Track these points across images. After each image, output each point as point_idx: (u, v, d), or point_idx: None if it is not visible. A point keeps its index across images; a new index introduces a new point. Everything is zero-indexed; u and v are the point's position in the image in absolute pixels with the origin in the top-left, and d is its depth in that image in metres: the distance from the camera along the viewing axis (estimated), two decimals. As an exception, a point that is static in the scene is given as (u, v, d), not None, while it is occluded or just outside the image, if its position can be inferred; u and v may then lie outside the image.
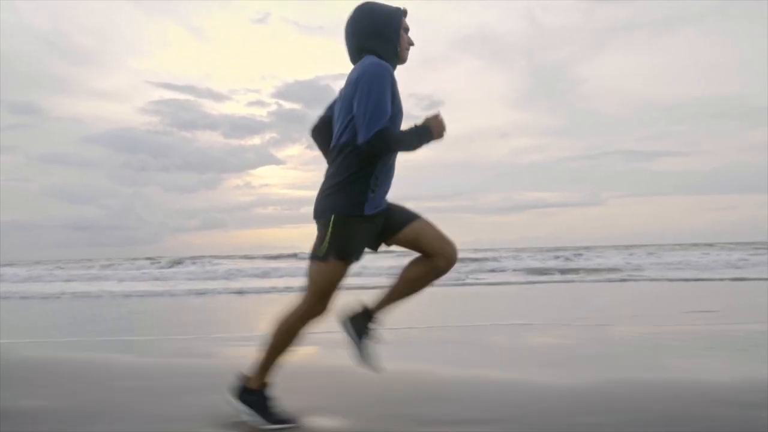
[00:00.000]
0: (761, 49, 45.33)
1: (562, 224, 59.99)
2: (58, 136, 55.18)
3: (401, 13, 2.46)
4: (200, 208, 60.60)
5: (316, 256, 2.38)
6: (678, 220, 57.86)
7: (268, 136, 56.10)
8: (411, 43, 2.51)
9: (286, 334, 2.45)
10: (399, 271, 2.59)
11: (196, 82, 60.15)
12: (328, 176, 2.41)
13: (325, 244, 2.33)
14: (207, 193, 59.23)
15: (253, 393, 2.50)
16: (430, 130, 2.34)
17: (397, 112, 2.33)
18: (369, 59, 2.32)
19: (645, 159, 57.97)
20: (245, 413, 2.51)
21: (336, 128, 2.43)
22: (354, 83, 2.29)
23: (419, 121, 2.38)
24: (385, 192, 2.45)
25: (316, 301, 2.41)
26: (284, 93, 53.18)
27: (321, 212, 2.37)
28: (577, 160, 58.76)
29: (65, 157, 54.86)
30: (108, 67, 51.70)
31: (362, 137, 2.23)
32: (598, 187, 64.90)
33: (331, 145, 2.45)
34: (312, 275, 2.40)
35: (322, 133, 2.65)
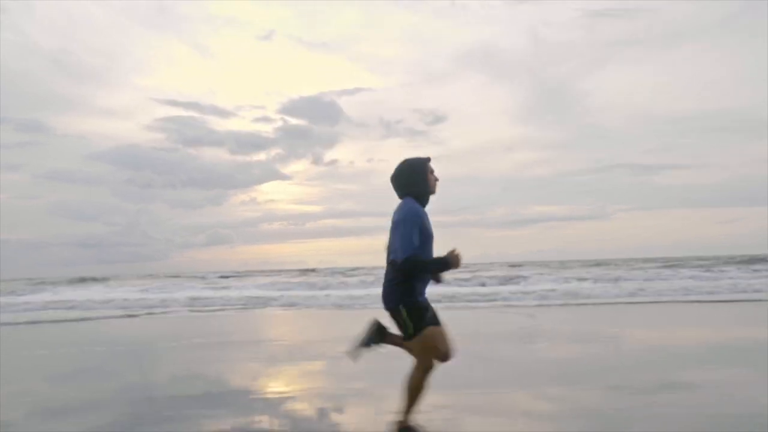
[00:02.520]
0: (763, 63, 45.59)
1: (569, 238, 59.95)
2: (63, 154, 55.85)
3: (426, 161, 3.38)
4: (206, 224, 60.98)
5: (409, 336, 3.21)
6: (685, 234, 57.72)
7: (273, 151, 56.60)
8: (437, 179, 3.42)
9: (416, 389, 3.26)
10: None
11: (201, 99, 60.91)
12: (388, 279, 3.28)
13: (409, 326, 3.19)
14: (213, 209, 59.59)
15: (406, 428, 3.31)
16: (448, 262, 3.16)
17: (428, 236, 3.24)
18: (406, 204, 3.28)
19: (650, 172, 58.01)
20: None
21: (390, 248, 3.35)
22: (396, 223, 3.23)
23: (443, 254, 3.19)
24: (424, 288, 3.34)
25: (431, 361, 3.23)
26: (289, 109, 53.78)
27: (390, 303, 3.23)
28: (582, 173, 58.92)
29: (71, 175, 55.47)
30: (113, 85, 52.38)
31: (399, 258, 3.16)
32: (604, 200, 64.93)
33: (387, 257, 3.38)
34: (417, 350, 3.24)
35: None
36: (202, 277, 31.03)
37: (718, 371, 4.79)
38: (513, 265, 33.89)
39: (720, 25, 49.39)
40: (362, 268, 33.37)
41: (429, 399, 3.97)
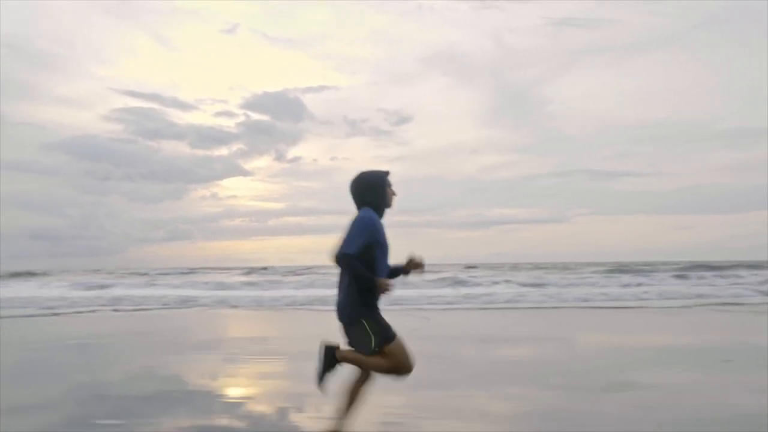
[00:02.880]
0: (721, 76, 46.91)
1: (529, 241, 60.65)
2: (18, 143, 54.02)
3: (385, 175, 3.45)
4: (166, 219, 60.00)
5: (372, 351, 3.21)
6: (640, 239, 58.95)
7: (235, 147, 55.96)
8: (394, 194, 3.49)
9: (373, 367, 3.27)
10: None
11: (162, 91, 59.79)
12: (345, 290, 3.28)
13: (372, 340, 3.18)
14: (172, 203, 58.61)
15: None
16: (376, 286, 3.19)
17: (383, 248, 3.31)
18: (363, 211, 3.33)
19: (609, 178, 59.19)
20: None
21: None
22: (349, 224, 3.27)
23: (376, 278, 3.21)
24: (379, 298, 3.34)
25: (400, 370, 3.24)
26: (252, 104, 53.28)
27: (348, 317, 3.25)
28: (544, 177, 59.78)
29: (25, 164, 53.84)
30: (72, 73, 51.02)
31: (338, 251, 3.19)
32: (565, 204, 65.96)
33: None
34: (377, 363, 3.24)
35: None
36: (145, 273, 30.60)
37: (661, 373, 4.97)
38: (469, 267, 34.25)
39: (677, 39, 50.89)
40: (321, 267, 33.38)
41: (386, 400, 4.01)
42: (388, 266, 3.42)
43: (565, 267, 33.15)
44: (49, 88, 51.27)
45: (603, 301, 13.64)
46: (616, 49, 52.96)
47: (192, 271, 35.30)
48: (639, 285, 18.79)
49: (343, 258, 3.20)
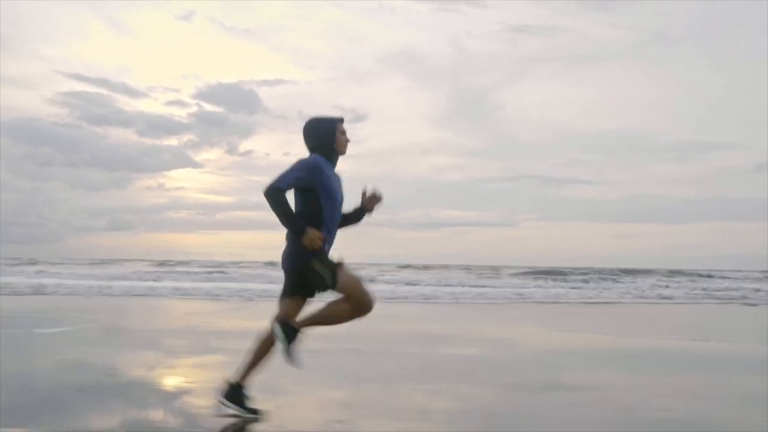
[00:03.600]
0: (666, 90, 48.95)
1: (477, 243, 61.74)
2: (-47, 122, 50.82)
3: (336, 121, 3.29)
4: (108, 208, 57.93)
5: (331, 286, 3.05)
6: (584, 246, 60.94)
7: (186, 137, 54.65)
8: (348, 140, 3.33)
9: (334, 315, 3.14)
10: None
11: (111, 76, 57.67)
12: (291, 238, 3.13)
13: (328, 276, 3.03)
14: (117, 192, 56.70)
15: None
16: (304, 234, 3.04)
17: (331, 195, 3.17)
18: (311, 155, 3.26)
19: (557, 185, 60.96)
20: None
21: None
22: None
23: (305, 225, 3.07)
24: (330, 246, 3.24)
25: (364, 300, 3.10)
26: (206, 95, 52.14)
27: (296, 262, 3.11)
28: (494, 181, 60.91)
29: (-39, 145, 50.76)
30: (16, 52, 48.44)
31: (269, 182, 3.07)
32: (513, 209, 67.47)
33: None
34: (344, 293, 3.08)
35: None
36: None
37: (598, 373, 5.08)
38: (401, 266, 34.73)
39: (630, 52, 52.66)
40: (255, 262, 33.44)
41: (322, 394, 4.00)
42: (338, 217, 3.28)
43: (494, 269, 33.87)
44: (-9, 67, 48.45)
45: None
46: (570, 58, 54.72)
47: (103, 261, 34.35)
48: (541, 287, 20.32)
49: (269, 190, 3.04)
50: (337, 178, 3.31)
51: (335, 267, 3.07)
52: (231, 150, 53.89)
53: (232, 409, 3.19)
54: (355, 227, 3.45)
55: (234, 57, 60.49)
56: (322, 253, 3.10)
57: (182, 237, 58.34)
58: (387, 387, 4.32)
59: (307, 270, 3.08)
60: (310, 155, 3.26)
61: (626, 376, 4.96)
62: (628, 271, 30.12)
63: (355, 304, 3.08)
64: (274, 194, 3.05)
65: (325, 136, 3.26)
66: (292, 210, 3.10)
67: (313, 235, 3.04)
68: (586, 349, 6.82)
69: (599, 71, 55.89)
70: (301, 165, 3.17)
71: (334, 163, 3.30)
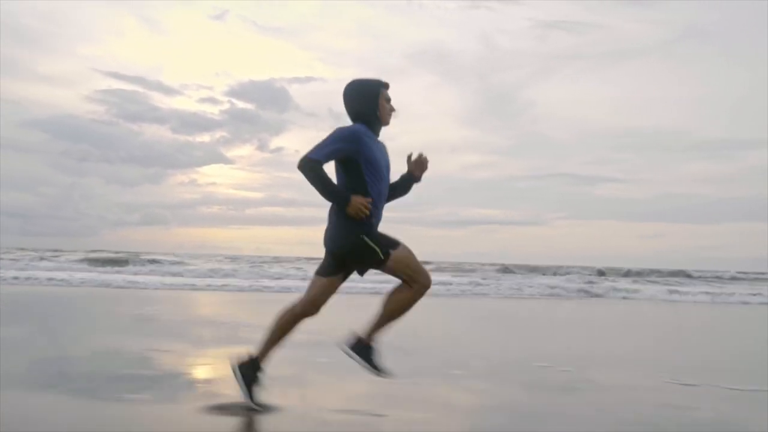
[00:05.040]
0: (700, 87, 47.90)
1: (506, 242, 61.26)
2: (-4, 119, 52.40)
3: (380, 86, 3.02)
4: (142, 203, 58.87)
5: (381, 262, 2.89)
6: (611, 244, 60.05)
7: (218, 134, 55.21)
8: (392, 110, 3.06)
9: (399, 310, 3.00)
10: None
11: (146, 74, 58.64)
12: (335, 215, 2.94)
13: (377, 251, 2.87)
14: (150, 188, 57.49)
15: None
16: (347, 203, 2.83)
17: (375, 165, 2.93)
18: (353, 124, 2.99)
19: (587, 183, 60.10)
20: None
21: None
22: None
23: (348, 194, 2.87)
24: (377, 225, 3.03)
25: (420, 277, 2.93)
26: (238, 92, 52.49)
27: (345, 239, 2.92)
28: (523, 180, 60.17)
29: (2, 141, 51.94)
30: (55, 51, 49.55)
31: (303, 155, 2.84)
32: (542, 207, 66.69)
33: None
34: (397, 270, 2.92)
35: None
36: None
37: (623, 373, 4.97)
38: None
39: (660, 47, 51.56)
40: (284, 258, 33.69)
41: (347, 385, 4.02)
42: (386, 190, 3.04)
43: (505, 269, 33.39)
44: (32, 65, 49.61)
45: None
46: (601, 54, 53.59)
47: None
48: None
49: (304, 162, 2.80)
50: (381, 148, 3.04)
51: (387, 242, 2.91)
52: (262, 146, 54.40)
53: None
54: (403, 198, 3.25)
55: (265, 55, 60.99)
56: (369, 225, 2.90)
57: (213, 231, 59.10)
58: (414, 380, 4.32)
59: (355, 246, 2.88)
60: (356, 125, 2.98)
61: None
62: (660, 272, 29.60)
63: (414, 286, 2.91)
64: (310, 167, 2.80)
65: (367, 102, 2.98)
66: (331, 180, 2.85)
67: (357, 202, 2.81)
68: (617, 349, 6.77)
69: (630, 68, 54.91)
70: (339, 134, 2.88)
71: (376, 134, 3.03)
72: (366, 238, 2.85)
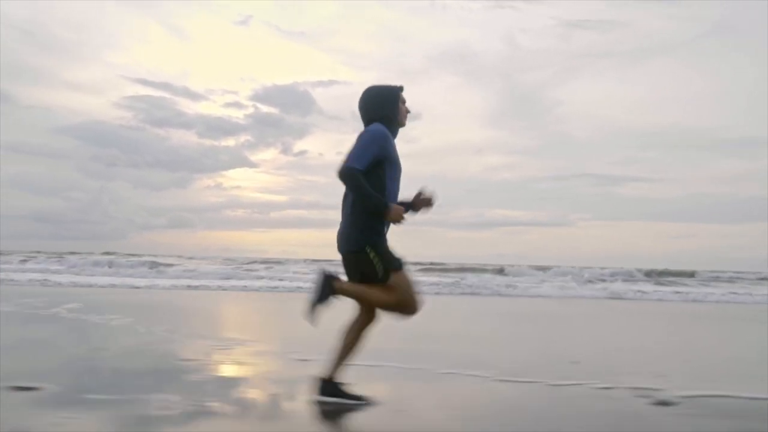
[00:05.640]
0: (729, 83, 46.99)
1: (531, 243, 60.72)
2: (28, 126, 53.74)
3: (398, 90, 3.15)
4: (169, 207, 59.72)
5: (379, 281, 2.96)
6: (638, 245, 59.08)
7: (243, 138, 55.69)
8: (408, 111, 3.19)
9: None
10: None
11: (172, 80, 59.56)
12: (348, 217, 3.02)
13: (379, 269, 2.95)
14: (177, 192, 58.34)
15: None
16: (387, 212, 2.91)
17: (396, 167, 3.03)
18: (374, 125, 3.06)
19: (613, 183, 59.25)
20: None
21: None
22: (358, 137, 3.03)
23: (387, 202, 2.94)
24: (387, 227, 3.07)
25: (405, 306, 3.01)
26: (262, 96, 53.07)
27: (352, 245, 2.98)
28: (548, 180, 59.59)
29: (34, 147, 53.38)
30: (83, 59, 50.67)
31: (342, 165, 2.90)
32: (568, 208, 65.95)
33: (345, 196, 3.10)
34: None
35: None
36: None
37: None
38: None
39: (688, 43, 50.70)
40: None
41: (370, 377, 3.94)
42: (398, 190, 3.13)
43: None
44: (61, 73, 50.92)
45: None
46: (627, 52, 52.79)
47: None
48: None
49: (347, 173, 2.87)
50: (397, 150, 3.13)
51: (391, 262, 2.96)
52: (285, 150, 54.75)
53: (334, 400, 3.15)
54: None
55: (289, 59, 61.41)
56: (380, 240, 2.98)
57: (238, 234, 59.68)
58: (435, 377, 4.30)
59: (360, 256, 2.97)
60: (374, 125, 3.06)
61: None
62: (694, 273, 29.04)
63: (400, 302, 2.99)
64: (354, 177, 2.87)
65: (387, 106, 3.10)
66: (371, 189, 2.91)
67: (397, 211, 2.93)
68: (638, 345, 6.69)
69: (657, 65, 53.93)
70: (372, 139, 2.97)
71: (394, 135, 3.14)
72: (371, 253, 2.95)
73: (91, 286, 14.82)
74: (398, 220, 2.94)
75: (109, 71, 53.45)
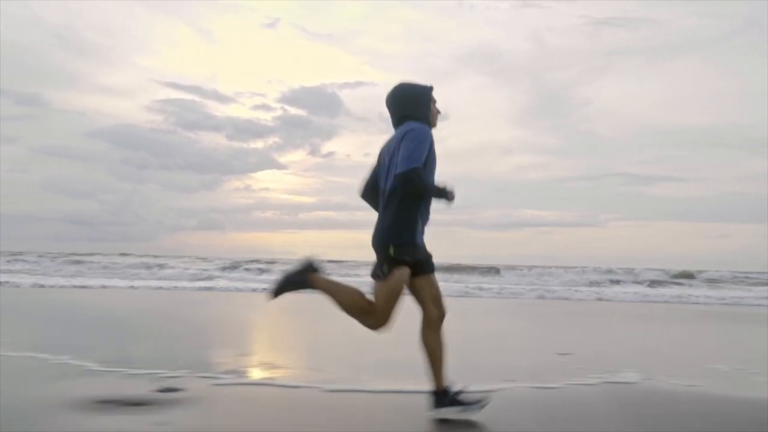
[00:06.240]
0: (761, 80, 45.76)
1: (561, 243, 60.06)
2: (61, 129, 54.88)
3: (430, 90, 3.08)
4: (199, 209, 60.46)
5: (378, 276, 2.92)
6: (670, 245, 57.90)
7: (271, 140, 56.16)
8: (439, 112, 3.13)
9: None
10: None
11: (202, 83, 60.23)
12: (383, 216, 2.95)
13: (386, 267, 2.89)
14: (206, 193, 59.08)
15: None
16: (447, 193, 2.95)
17: (432, 164, 2.95)
18: (414, 123, 2.95)
19: (643, 183, 58.09)
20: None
21: (387, 177, 3.00)
22: (400, 138, 2.91)
23: (443, 187, 2.97)
24: (424, 227, 3.03)
25: (379, 315, 2.95)
26: (290, 98, 53.39)
27: (380, 240, 2.92)
28: (576, 180, 58.81)
29: (67, 151, 54.59)
30: (115, 63, 51.71)
31: (400, 169, 2.81)
32: (597, 208, 64.93)
33: (383, 191, 3.02)
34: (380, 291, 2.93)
35: (370, 194, 3.20)
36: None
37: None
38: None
39: (719, 41, 49.44)
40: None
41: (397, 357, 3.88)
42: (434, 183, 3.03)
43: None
44: (93, 78, 51.98)
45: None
46: (656, 50, 51.71)
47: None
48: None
49: (414, 175, 2.77)
50: None
51: (402, 263, 2.88)
52: (313, 151, 55.07)
53: (453, 413, 3.02)
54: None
55: (316, 61, 61.67)
56: (407, 241, 2.90)
57: (267, 236, 60.24)
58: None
59: (384, 250, 2.90)
60: (414, 123, 2.97)
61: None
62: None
63: (375, 311, 2.93)
64: (414, 179, 2.80)
65: (420, 104, 3.03)
66: (429, 184, 2.91)
67: (450, 191, 2.95)
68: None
69: (688, 62, 52.70)
70: (420, 136, 2.88)
71: None
72: (391, 250, 2.87)
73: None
74: (454, 198, 2.97)
75: (139, 75, 54.54)
